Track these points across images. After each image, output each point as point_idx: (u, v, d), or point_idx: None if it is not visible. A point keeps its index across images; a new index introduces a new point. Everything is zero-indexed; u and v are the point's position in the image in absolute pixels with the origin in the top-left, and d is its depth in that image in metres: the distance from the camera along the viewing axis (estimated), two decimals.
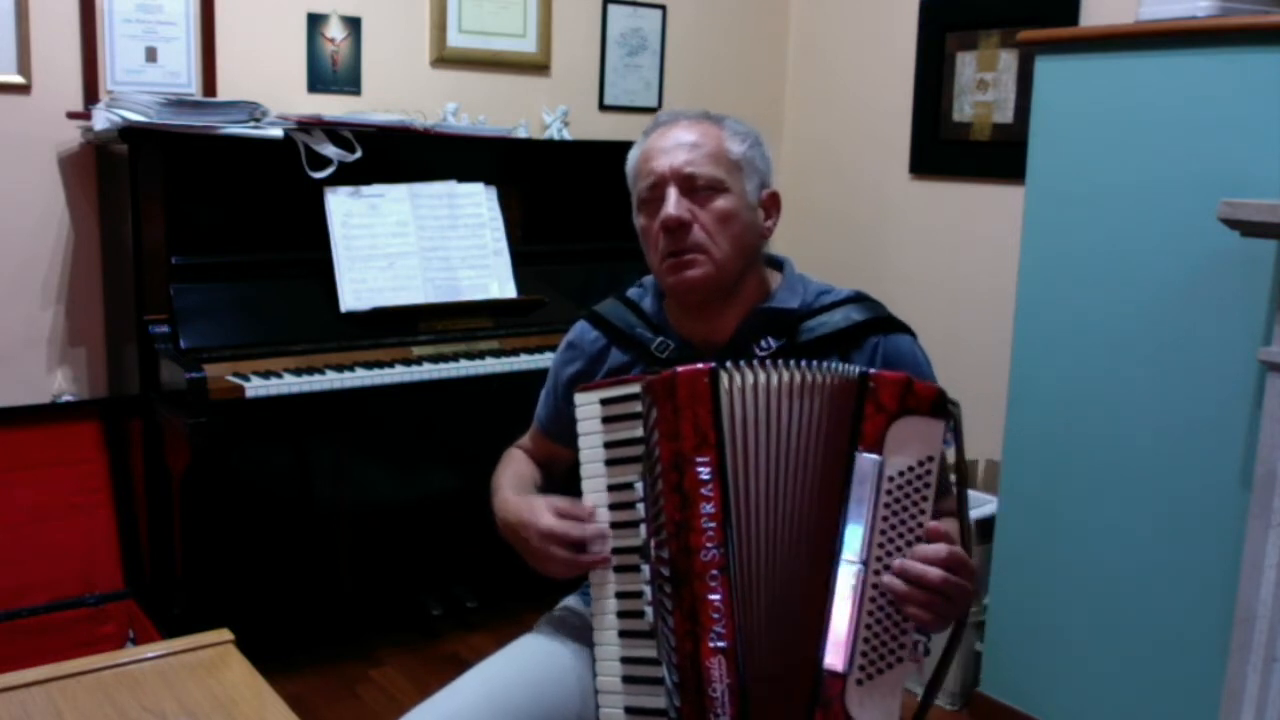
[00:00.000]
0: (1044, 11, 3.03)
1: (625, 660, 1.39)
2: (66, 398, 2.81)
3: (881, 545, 1.29)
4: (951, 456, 1.34)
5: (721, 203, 1.47)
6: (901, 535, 1.29)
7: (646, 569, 1.36)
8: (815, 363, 1.34)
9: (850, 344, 1.49)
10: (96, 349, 2.88)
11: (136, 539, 2.76)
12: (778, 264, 1.60)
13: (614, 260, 3.18)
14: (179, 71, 2.87)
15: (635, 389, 1.39)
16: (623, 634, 1.39)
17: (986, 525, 2.68)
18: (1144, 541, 2.32)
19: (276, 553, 2.88)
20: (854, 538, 1.29)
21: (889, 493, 1.28)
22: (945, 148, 3.41)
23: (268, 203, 2.76)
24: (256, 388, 2.46)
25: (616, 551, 1.40)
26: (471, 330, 2.89)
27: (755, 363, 1.34)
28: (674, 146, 1.48)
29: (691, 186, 1.47)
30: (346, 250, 2.78)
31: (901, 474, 1.28)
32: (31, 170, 2.73)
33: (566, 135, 3.34)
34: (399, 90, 3.18)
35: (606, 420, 1.42)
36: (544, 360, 2.82)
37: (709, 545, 1.31)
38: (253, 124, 2.67)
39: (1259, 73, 2.08)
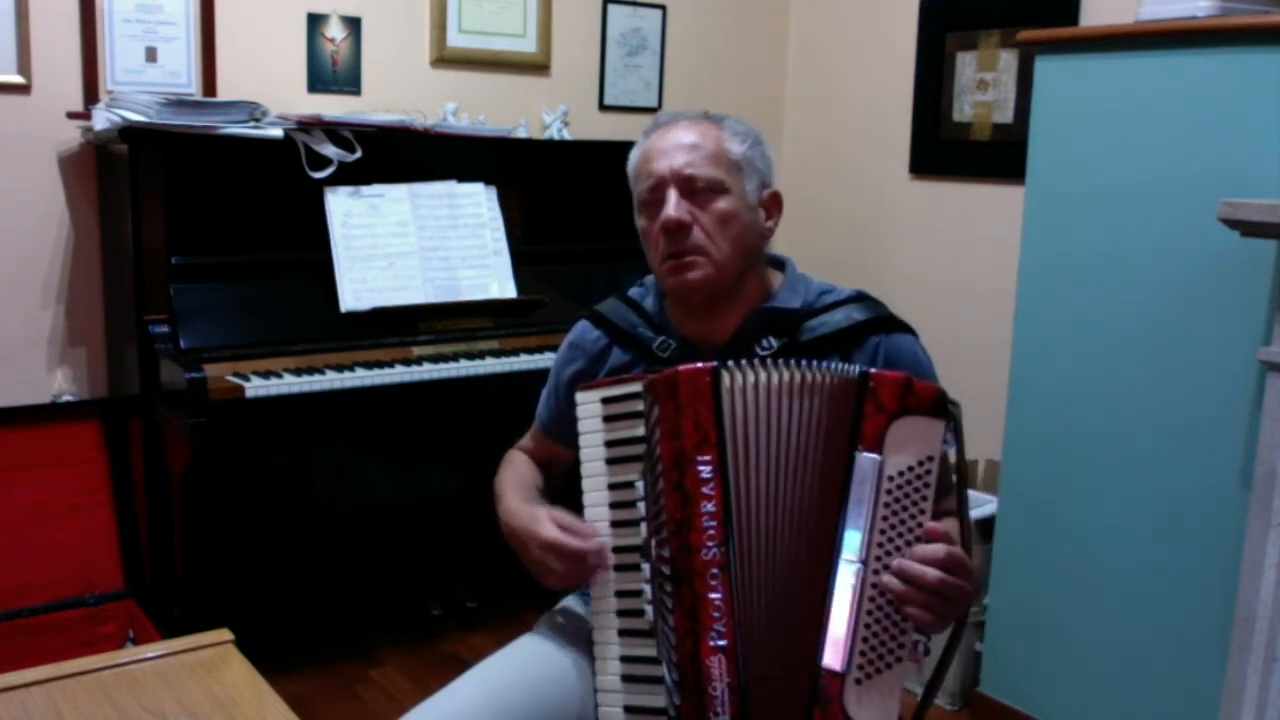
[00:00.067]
0: (1044, 11, 3.03)
1: (625, 659, 1.39)
2: (66, 398, 2.81)
3: (881, 545, 1.29)
4: (952, 457, 1.34)
5: (721, 204, 1.47)
6: (901, 535, 1.29)
7: (647, 568, 1.36)
8: (816, 362, 1.34)
9: (852, 343, 1.49)
10: (96, 349, 2.88)
11: (136, 539, 2.76)
12: (779, 264, 1.60)
13: (614, 260, 3.18)
14: (179, 71, 2.87)
15: (636, 388, 1.39)
16: (623, 633, 1.39)
17: (986, 525, 2.68)
18: (1144, 541, 2.32)
19: (276, 553, 2.88)
20: (853, 537, 1.29)
21: (889, 492, 1.29)
22: (945, 148, 3.41)
23: (268, 203, 2.76)
24: (256, 388, 2.46)
25: (617, 550, 1.40)
26: (471, 330, 2.89)
27: (756, 362, 1.34)
28: (674, 148, 1.48)
29: (691, 188, 1.47)
30: (346, 250, 2.78)
31: (901, 474, 1.28)
32: (31, 170, 2.73)
33: (566, 135, 3.34)
34: (399, 90, 3.18)
35: (607, 419, 1.42)
36: (544, 360, 2.82)
37: (710, 544, 1.31)
38: (253, 124, 2.67)
39: (1259, 73, 2.08)
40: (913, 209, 3.54)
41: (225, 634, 1.54)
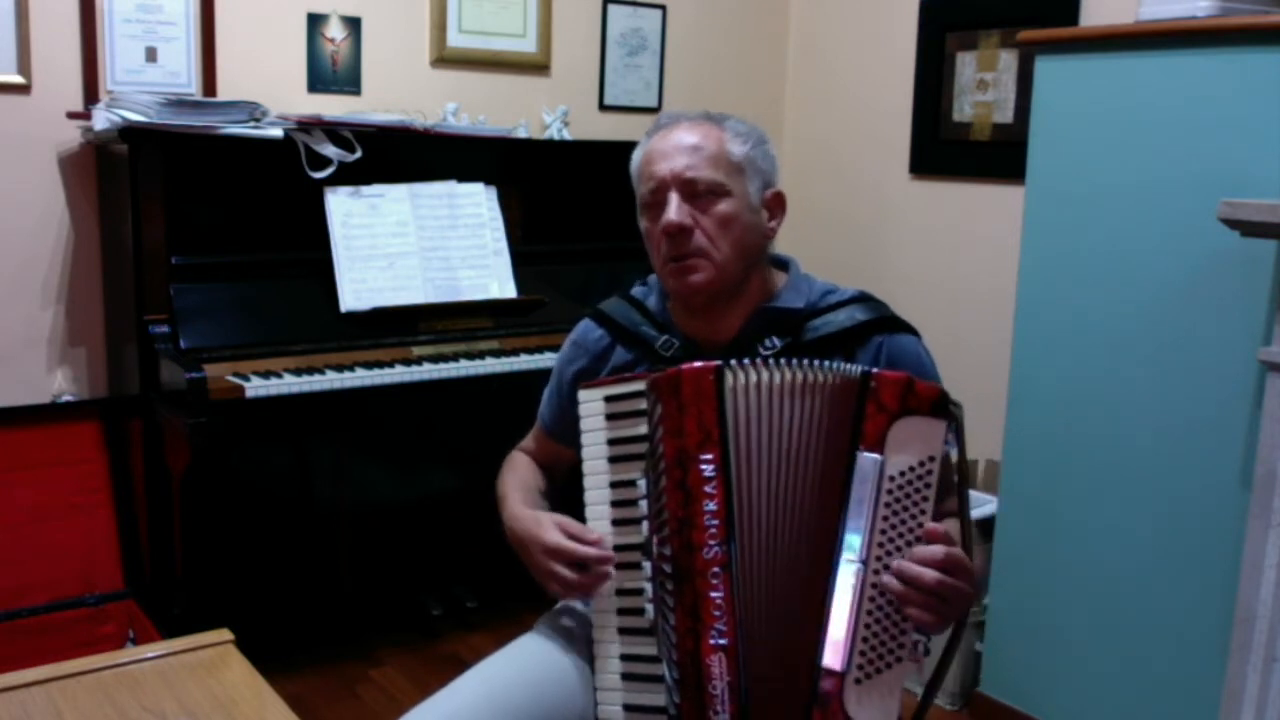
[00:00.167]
0: (1044, 11, 3.03)
1: (625, 657, 1.39)
2: (66, 398, 2.81)
3: (881, 545, 1.29)
4: (954, 457, 1.34)
5: (723, 207, 1.47)
6: (902, 535, 1.29)
7: (648, 566, 1.37)
8: (818, 362, 1.34)
9: (855, 343, 1.49)
10: (96, 349, 2.88)
11: (136, 539, 2.76)
12: (783, 264, 1.60)
13: (614, 260, 3.18)
14: (179, 71, 2.87)
15: (640, 386, 1.39)
16: (623, 631, 1.40)
17: (986, 525, 2.68)
18: (1144, 541, 2.32)
19: (276, 553, 2.88)
20: (854, 537, 1.29)
21: (889, 492, 1.29)
22: (945, 148, 3.41)
23: (268, 203, 2.76)
24: (256, 388, 2.46)
25: (618, 549, 1.40)
26: (471, 330, 2.89)
27: (760, 361, 1.35)
28: (675, 150, 1.48)
29: (693, 191, 1.47)
30: (346, 250, 2.78)
31: (902, 474, 1.28)
32: (31, 170, 2.73)
33: (566, 135, 3.34)
34: (399, 90, 3.18)
35: (610, 417, 1.42)
36: (544, 360, 2.82)
37: (711, 542, 1.31)
38: (253, 124, 2.67)
39: (1259, 73, 2.08)
40: (913, 209, 3.54)
41: (225, 634, 1.54)
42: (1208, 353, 2.18)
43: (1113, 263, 2.33)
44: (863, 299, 1.54)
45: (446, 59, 3.27)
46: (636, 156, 1.55)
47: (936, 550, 1.26)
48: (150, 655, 1.49)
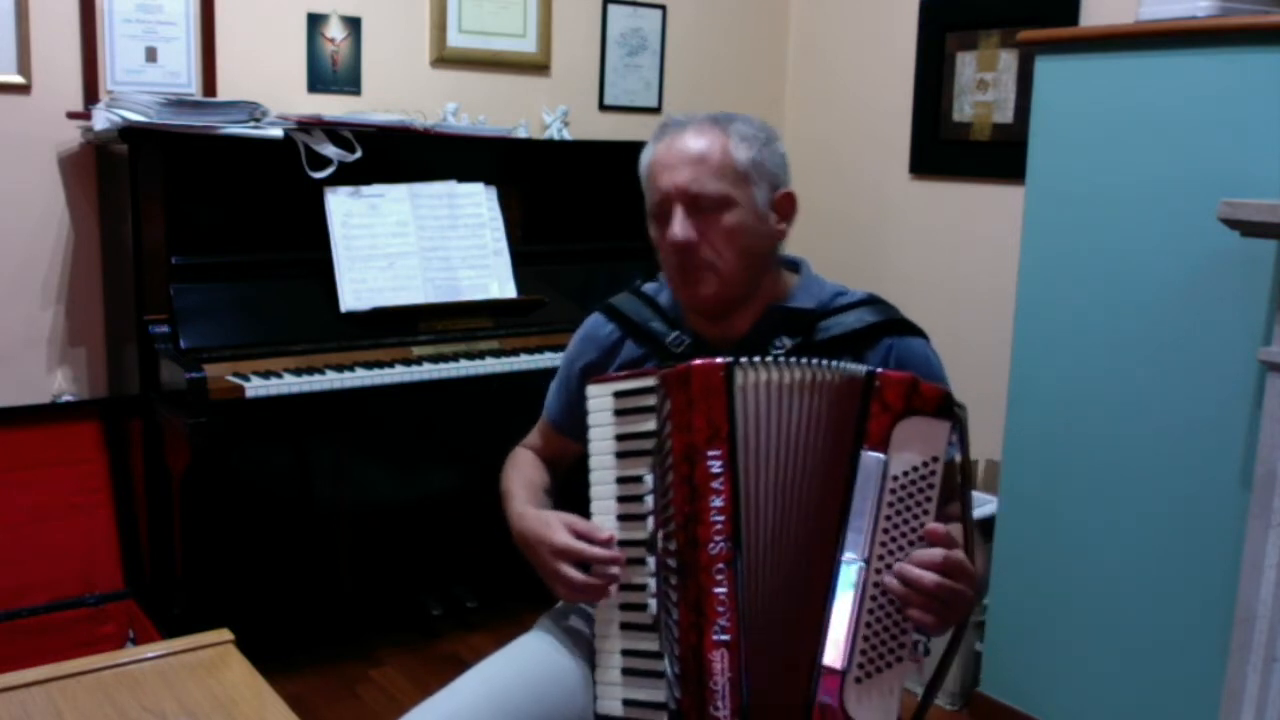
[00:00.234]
0: (1044, 11, 3.03)
1: (626, 653, 1.39)
2: (66, 398, 2.81)
3: (884, 544, 1.29)
4: (958, 460, 1.34)
5: (729, 218, 1.46)
6: (904, 535, 1.29)
7: (652, 561, 1.37)
8: (825, 361, 1.34)
9: (864, 345, 1.49)
10: (96, 349, 2.88)
11: (136, 539, 2.76)
12: (794, 265, 1.60)
13: (614, 260, 3.18)
14: (179, 71, 2.87)
15: (650, 382, 1.39)
16: (625, 627, 1.40)
17: (986, 525, 2.68)
18: (1144, 541, 2.32)
19: (276, 553, 2.88)
20: (857, 535, 1.30)
21: (892, 491, 1.29)
22: (945, 148, 3.41)
23: (268, 203, 2.76)
24: (256, 388, 2.46)
25: (622, 544, 1.40)
26: (471, 330, 2.89)
27: (770, 359, 1.35)
28: (679, 161, 1.46)
29: (697, 205, 1.46)
30: (346, 250, 2.78)
31: (905, 473, 1.29)
32: (31, 170, 2.73)
33: (566, 135, 3.34)
34: (399, 90, 3.18)
35: (619, 413, 1.42)
36: (544, 360, 2.82)
37: (717, 538, 1.31)
38: (253, 124, 2.67)
39: (1259, 73, 2.08)
40: (913, 209, 3.54)
41: (225, 634, 1.54)
42: (1208, 353, 2.18)
43: (1113, 263, 2.33)
44: (872, 301, 1.54)
45: (446, 59, 3.27)
46: (644, 159, 1.54)
47: (936, 553, 1.26)
48: (150, 655, 1.49)
